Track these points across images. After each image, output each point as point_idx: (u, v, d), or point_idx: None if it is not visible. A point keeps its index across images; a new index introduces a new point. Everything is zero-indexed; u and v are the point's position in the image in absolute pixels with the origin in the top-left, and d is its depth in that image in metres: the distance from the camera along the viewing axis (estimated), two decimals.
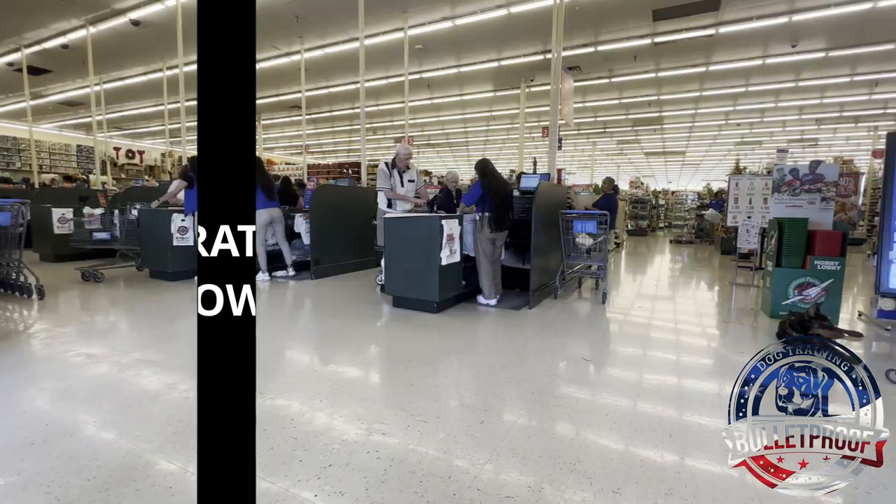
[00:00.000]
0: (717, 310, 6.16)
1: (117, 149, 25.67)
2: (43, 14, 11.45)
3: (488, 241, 5.75)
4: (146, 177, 22.62)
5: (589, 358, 4.08)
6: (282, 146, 32.15)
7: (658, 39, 11.41)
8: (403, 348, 4.26)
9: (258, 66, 14.03)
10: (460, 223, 5.64)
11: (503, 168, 22.70)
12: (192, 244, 7.24)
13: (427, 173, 23.95)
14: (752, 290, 7.42)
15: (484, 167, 5.89)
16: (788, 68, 13.41)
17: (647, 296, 6.96)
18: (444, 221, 5.28)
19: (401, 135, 16.85)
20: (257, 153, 22.48)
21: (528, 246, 5.82)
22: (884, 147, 4.83)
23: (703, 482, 2.22)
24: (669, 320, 5.51)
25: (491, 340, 4.60)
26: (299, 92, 14.55)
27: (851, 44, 11.41)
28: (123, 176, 24.11)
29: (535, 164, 9.34)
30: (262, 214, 7.33)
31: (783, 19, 9.97)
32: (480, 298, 6.00)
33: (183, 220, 7.14)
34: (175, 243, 7.12)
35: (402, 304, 5.75)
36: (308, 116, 19.24)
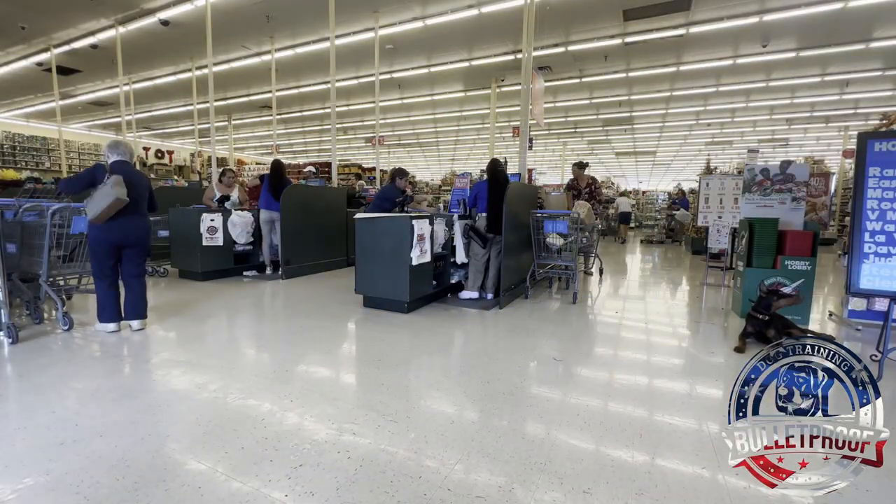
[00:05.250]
0: (688, 310, 6.23)
1: (147, 149, 25.66)
2: (72, 14, 11.26)
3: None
4: (175, 177, 22.41)
5: (559, 358, 4.12)
6: (252, 146, 31.71)
7: (629, 39, 11.54)
8: (374, 348, 4.27)
9: (228, 66, 14.07)
10: (431, 223, 5.66)
11: (473, 168, 22.79)
12: (222, 244, 7.36)
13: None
14: (723, 290, 7.54)
15: (492, 169, 6.11)
16: (759, 68, 13.59)
17: (617, 296, 7.06)
18: (414, 221, 5.29)
19: (371, 135, 16.78)
20: (227, 153, 22.40)
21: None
22: (854, 147, 4.89)
23: (674, 482, 2.25)
24: (640, 320, 5.59)
25: (461, 340, 4.63)
26: (270, 92, 14.40)
27: (822, 44, 11.59)
28: (153, 176, 23.63)
29: (505, 163, 9.39)
30: (264, 213, 7.53)
31: (754, 19, 10.11)
32: (463, 293, 6.21)
33: (212, 221, 7.18)
34: (204, 243, 7.19)
35: (373, 304, 5.74)
36: (279, 116, 19.02)
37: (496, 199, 5.81)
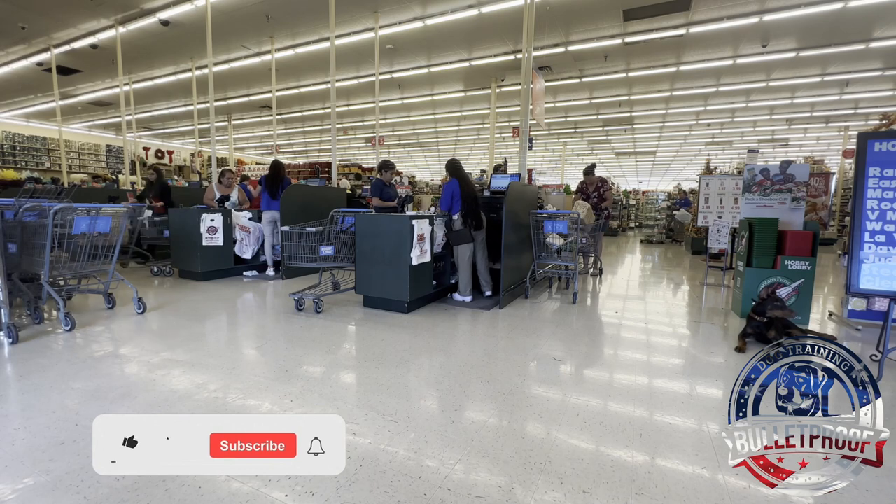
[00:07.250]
0: (688, 310, 6.22)
1: (146, 149, 25.69)
2: (72, 14, 11.30)
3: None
4: (175, 177, 22.44)
5: (559, 358, 4.12)
6: (252, 146, 31.73)
7: (629, 39, 11.53)
8: (374, 348, 4.26)
9: (228, 66, 14.06)
10: (431, 223, 5.65)
11: (473, 168, 22.82)
12: (222, 244, 7.39)
13: (398, 174, 23.90)
14: (723, 290, 7.54)
15: (455, 167, 5.94)
16: (759, 68, 13.56)
17: (617, 296, 7.05)
18: (414, 221, 5.28)
19: (371, 135, 16.83)
20: (227, 153, 22.37)
21: (500, 246, 5.86)
22: (854, 147, 4.88)
23: (674, 482, 2.24)
24: (640, 320, 5.59)
25: (462, 340, 4.62)
26: (270, 92, 14.42)
27: (822, 44, 11.56)
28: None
29: (505, 163, 9.40)
30: (266, 215, 7.58)
31: (754, 19, 10.09)
32: (456, 295, 6.12)
33: (212, 221, 7.22)
34: (204, 243, 7.23)
35: (373, 304, 5.74)
36: (279, 116, 19.05)
37: (469, 193, 5.80)
